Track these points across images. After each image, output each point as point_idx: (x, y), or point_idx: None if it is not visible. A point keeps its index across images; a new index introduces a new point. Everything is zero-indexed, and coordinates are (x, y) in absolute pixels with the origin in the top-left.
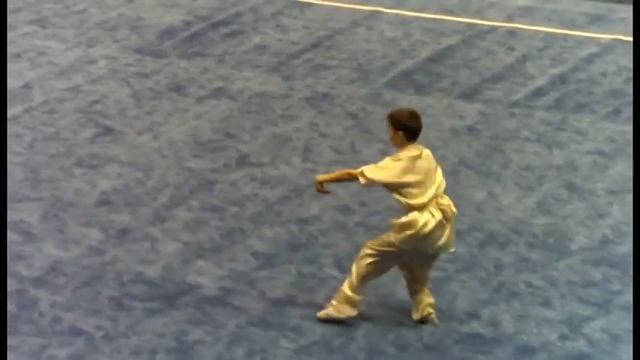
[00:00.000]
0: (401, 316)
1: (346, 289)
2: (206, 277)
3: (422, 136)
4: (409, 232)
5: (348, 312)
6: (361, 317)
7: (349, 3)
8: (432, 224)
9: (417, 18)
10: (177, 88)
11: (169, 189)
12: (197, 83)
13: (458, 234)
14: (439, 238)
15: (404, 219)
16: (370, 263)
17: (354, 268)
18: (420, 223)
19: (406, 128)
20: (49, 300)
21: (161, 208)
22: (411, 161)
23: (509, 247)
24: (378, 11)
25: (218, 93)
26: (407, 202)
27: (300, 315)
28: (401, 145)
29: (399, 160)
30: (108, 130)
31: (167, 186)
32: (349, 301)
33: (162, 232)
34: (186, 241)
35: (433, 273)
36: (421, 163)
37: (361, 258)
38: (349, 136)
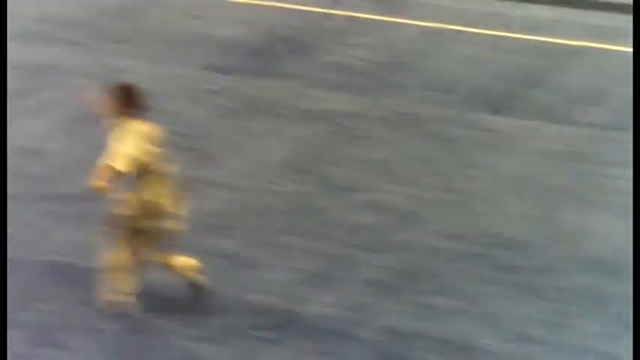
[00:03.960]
0: None
1: None
2: (312, 304)
3: (518, 157)
4: None
5: None
6: None
7: (427, 21)
8: None
9: (510, 38)
10: (255, 109)
11: (267, 212)
12: (276, 104)
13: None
14: None
15: None
16: None
17: None
18: None
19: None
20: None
21: (256, 233)
22: None
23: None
24: (461, 30)
25: (299, 114)
26: None
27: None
28: None
29: None
30: (192, 151)
31: (267, 209)
32: None
33: (264, 258)
34: (290, 267)
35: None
36: None
37: None
38: (441, 159)
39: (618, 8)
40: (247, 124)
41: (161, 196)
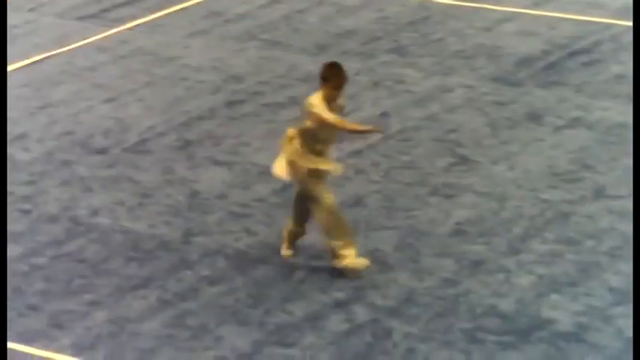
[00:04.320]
0: None
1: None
2: (560, 311)
3: None
4: None
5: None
6: None
7: None
8: None
9: None
10: (534, 118)
11: (524, 220)
12: (554, 113)
13: None
14: None
15: None
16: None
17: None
18: None
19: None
20: (403, 331)
21: (515, 240)
22: None
23: None
24: None
25: (575, 123)
26: None
27: None
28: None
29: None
30: (463, 159)
31: (522, 217)
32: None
33: (516, 264)
34: (540, 274)
35: None
36: None
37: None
38: None
39: None
40: (523, 133)
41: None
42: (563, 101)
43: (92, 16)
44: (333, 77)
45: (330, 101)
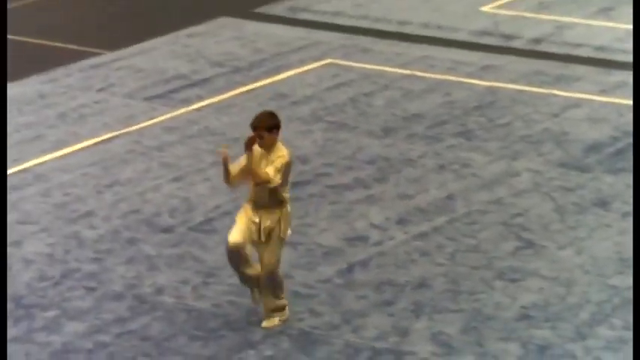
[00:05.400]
0: None
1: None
2: None
3: None
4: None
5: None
6: None
7: None
8: None
9: None
10: (602, 204)
11: (591, 305)
12: (622, 199)
13: None
14: None
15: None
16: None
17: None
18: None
19: (278, 126)
20: None
21: (582, 325)
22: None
23: None
24: None
25: None
26: (284, 196)
27: None
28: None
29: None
30: (529, 244)
31: (589, 302)
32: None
33: (583, 350)
34: None
35: None
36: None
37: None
38: None
39: None
40: (590, 219)
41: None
42: (631, 188)
43: (160, 97)
44: (276, 121)
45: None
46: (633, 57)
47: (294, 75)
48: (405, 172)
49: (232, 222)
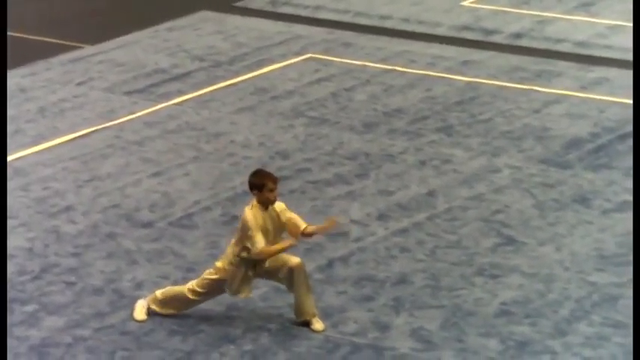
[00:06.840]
0: None
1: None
2: None
3: None
4: None
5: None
6: None
7: None
8: None
9: None
10: (582, 200)
11: (571, 302)
12: (602, 196)
13: None
14: None
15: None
16: None
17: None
18: None
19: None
20: None
21: (562, 322)
22: None
23: None
24: None
25: (624, 206)
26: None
27: None
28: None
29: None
30: (509, 240)
31: (569, 299)
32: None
33: (562, 346)
34: (587, 357)
35: None
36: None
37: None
38: None
39: None
40: (570, 215)
41: None
42: (612, 184)
43: (140, 91)
44: (264, 182)
45: (267, 205)
46: (633, 57)
47: (276, 69)
48: (385, 167)
49: (212, 217)
